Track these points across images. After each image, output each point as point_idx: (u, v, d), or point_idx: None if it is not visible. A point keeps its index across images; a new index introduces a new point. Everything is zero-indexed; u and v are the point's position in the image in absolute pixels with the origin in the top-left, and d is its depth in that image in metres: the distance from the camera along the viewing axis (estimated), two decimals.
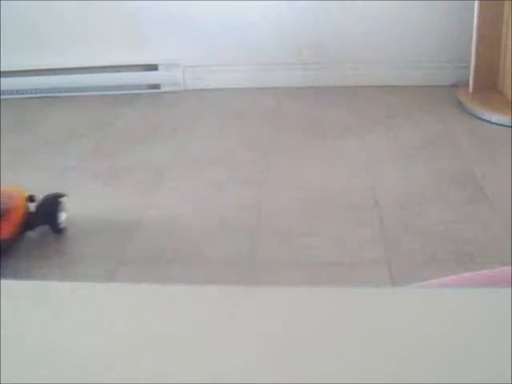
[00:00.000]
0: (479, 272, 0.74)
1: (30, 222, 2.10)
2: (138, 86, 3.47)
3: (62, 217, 2.17)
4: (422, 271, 1.82)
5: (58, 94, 3.44)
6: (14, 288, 0.49)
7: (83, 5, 3.34)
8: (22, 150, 2.81)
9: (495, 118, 2.86)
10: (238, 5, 3.33)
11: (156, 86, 3.48)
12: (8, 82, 3.43)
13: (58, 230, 2.15)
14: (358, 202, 2.26)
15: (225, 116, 3.14)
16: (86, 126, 3.09)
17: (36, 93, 3.45)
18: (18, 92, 3.46)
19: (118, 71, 3.46)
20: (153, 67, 3.45)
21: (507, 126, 2.78)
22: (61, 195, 2.19)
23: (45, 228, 2.14)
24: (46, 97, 3.43)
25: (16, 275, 1.91)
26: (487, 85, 3.05)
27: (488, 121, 2.87)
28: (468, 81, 3.07)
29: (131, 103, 3.34)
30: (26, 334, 0.44)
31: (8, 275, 1.89)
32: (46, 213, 2.13)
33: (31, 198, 2.14)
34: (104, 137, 2.93)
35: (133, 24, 3.39)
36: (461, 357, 0.41)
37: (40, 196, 2.15)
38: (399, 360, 0.41)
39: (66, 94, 3.44)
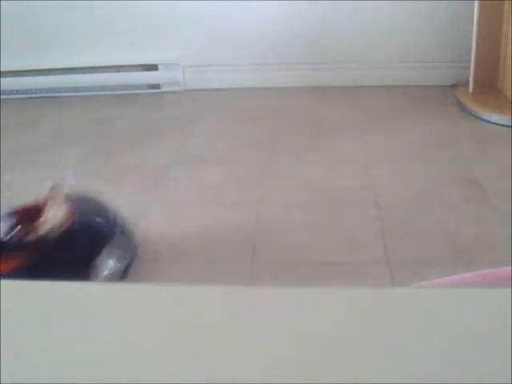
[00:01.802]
0: (479, 272, 0.74)
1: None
2: (138, 86, 3.47)
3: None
4: (422, 271, 1.82)
5: (58, 94, 3.44)
6: (14, 288, 0.49)
7: (83, 5, 3.34)
8: (21, 149, 2.81)
9: (495, 118, 2.86)
10: (238, 5, 3.33)
11: (156, 86, 3.48)
12: (8, 82, 3.43)
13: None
14: (358, 201, 2.26)
15: (225, 116, 3.14)
16: (86, 125, 3.09)
17: (36, 93, 3.45)
18: (18, 92, 3.46)
19: (118, 71, 3.46)
20: (153, 67, 3.45)
21: (507, 126, 2.78)
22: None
23: None
24: (46, 97, 3.43)
25: None
26: (487, 85, 3.05)
27: (488, 121, 2.87)
28: (468, 81, 3.07)
29: (131, 103, 3.34)
30: (26, 334, 0.44)
31: None
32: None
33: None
34: (104, 137, 2.93)
35: (133, 24, 3.39)
36: (461, 357, 0.41)
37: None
38: (399, 360, 0.41)
39: (66, 94, 3.44)
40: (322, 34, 3.36)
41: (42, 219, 1.75)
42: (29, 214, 1.78)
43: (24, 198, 2.36)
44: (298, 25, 3.35)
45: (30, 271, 1.64)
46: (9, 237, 1.72)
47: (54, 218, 1.75)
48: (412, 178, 2.41)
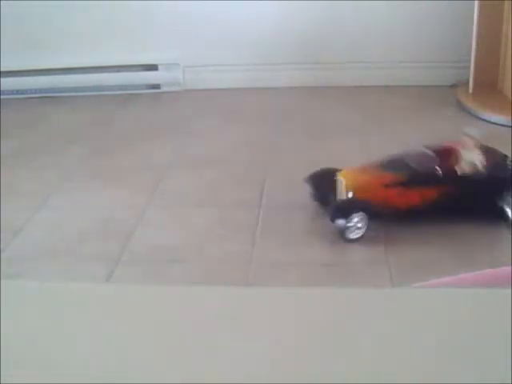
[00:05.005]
0: (479, 272, 0.74)
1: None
2: (138, 86, 3.46)
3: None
4: (422, 271, 1.82)
5: (57, 94, 3.44)
6: (14, 288, 0.49)
7: (83, 5, 3.34)
8: (22, 149, 2.81)
9: (495, 118, 2.86)
10: (238, 4, 3.33)
11: (156, 86, 3.47)
12: (8, 82, 3.43)
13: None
14: None
15: (225, 116, 3.14)
16: (86, 125, 3.09)
17: (36, 93, 3.45)
18: (18, 92, 3.45)
19: (118, 71, 3.46)
20: (153, 67, 3.45)
21: (507, 126, 2.78)
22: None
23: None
24: (46, 97, 3.42)
25: None
26: (487, 85, 3.05)
27: (488, 121, 2.87)
28: (468, 81, 3.07)
29: (131, 103, 3.34)
30: (26, 334, 0.44)
31: None
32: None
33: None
34: (104, 137, 2.93)
35: (133, 24, 3.39)
36: (461, 357, 0.41)
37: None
38: (399, 360, 0.41)
39: (66, 94, 3.44)
40: (322, 33, 3.36)
41: (458, 160, 2.02)
42: (444, 154, 2.05)
43: (23, 197, 2.37)
44: (297, 25, 3.35)
45: (444, 204, 1.99)
46: (427, 169, 2.01)
47: (470, 160, 2.02)
48: None
